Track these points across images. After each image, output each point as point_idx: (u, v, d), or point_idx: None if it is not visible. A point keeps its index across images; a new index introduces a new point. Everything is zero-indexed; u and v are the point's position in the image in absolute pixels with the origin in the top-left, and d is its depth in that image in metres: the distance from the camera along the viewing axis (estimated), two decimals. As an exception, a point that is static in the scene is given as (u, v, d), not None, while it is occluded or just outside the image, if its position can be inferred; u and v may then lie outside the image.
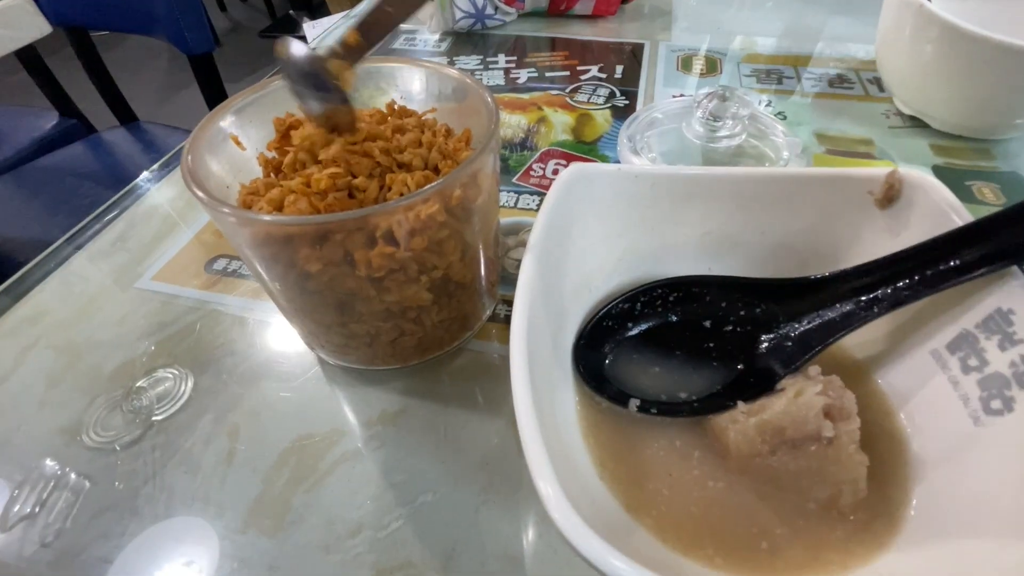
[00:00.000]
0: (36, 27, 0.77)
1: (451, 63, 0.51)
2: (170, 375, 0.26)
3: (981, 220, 0.18)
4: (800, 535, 0.17)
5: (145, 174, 0.39)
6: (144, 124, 0.97)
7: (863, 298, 0.20)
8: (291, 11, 2.36)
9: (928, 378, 0.19)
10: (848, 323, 0.20)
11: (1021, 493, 0.15)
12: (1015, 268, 0.17)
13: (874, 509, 0.18)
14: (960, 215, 0.19)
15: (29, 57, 0.83)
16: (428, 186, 0.18)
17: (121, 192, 0.38)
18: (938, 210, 0.19)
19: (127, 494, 0.22)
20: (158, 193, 0.38)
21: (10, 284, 0.31)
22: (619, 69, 0.48)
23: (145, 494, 0.22)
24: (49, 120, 0.95)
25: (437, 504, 0.21)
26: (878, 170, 0.21)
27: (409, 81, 0.26)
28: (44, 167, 0.88)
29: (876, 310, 0.19)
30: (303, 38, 0.59)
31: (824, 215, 0.22)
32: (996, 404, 0.17)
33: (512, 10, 0.54)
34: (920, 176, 0.20)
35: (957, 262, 0.18)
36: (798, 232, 0.23)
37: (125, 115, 0.97)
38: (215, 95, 0.87)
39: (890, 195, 0.20)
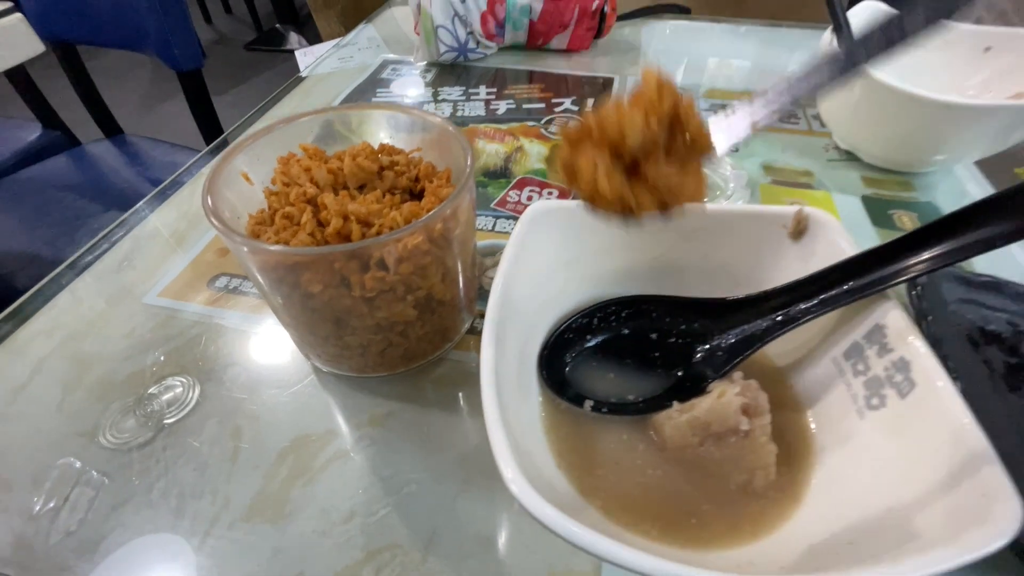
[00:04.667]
0: (30, 46, 0.78)
1: (436, 94, 0.54)
2: (179, 383, 0.29)
3: (862, 254, 0.22)
4: (723, 511, 0.21)
5: (147, 198, 0.42)
6: (129, 137, 0.98)
7: (778, 315, 0.24)
8: (277, 24, 2.39)
9: (829, 381, 0.23)
10: (766, 335, 0.24)
11: (887, 467, 0.19)
12: (888, 292, 0.21)
13: (783, 489, 0.21)
14: (850, 248, 0.23)
15: (12, 69, 0.84)
16: (414, 222, 0.21)
17: (126, 214, 0.40)
18: (835, 243, 0.23)
19: (142, 489, 0.25)
20: (160, 216, 0.41)
21: (22, 302, 0.34)
22: (590, 102, 0.52)
23: (159, 488, 0.25)
24: (32, 132, 0.95)
25: (420, 494, 0.25)
26: (790, 208, 0.25)
27: (400, 125, 0.29)
28: (27, 179, 0.88)
29: (788, 325, 0.23)
30: (290, 51, 0.62)
31: (751, 244, 0.26)
32: (875, 401, 0.21)
33: (492, 44, 0.59)
34: (821, 214, 0.24)
35: (848, 286, 0.22)
36: (731, 258, 0.27)
37: (109, 127, 0.97)
38: (203, 110, 0.88)
39: (799, 229, 0.24)
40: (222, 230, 0.21)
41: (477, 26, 0.56)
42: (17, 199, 0.84)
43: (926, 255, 0.20)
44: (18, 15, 0.77)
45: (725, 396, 0.22)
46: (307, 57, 0.61)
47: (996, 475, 0.15)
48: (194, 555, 0.23)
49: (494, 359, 0.20)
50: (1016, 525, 0.14)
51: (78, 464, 0.26)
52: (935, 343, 0.26)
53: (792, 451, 0.22)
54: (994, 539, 0.14)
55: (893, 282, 0.21)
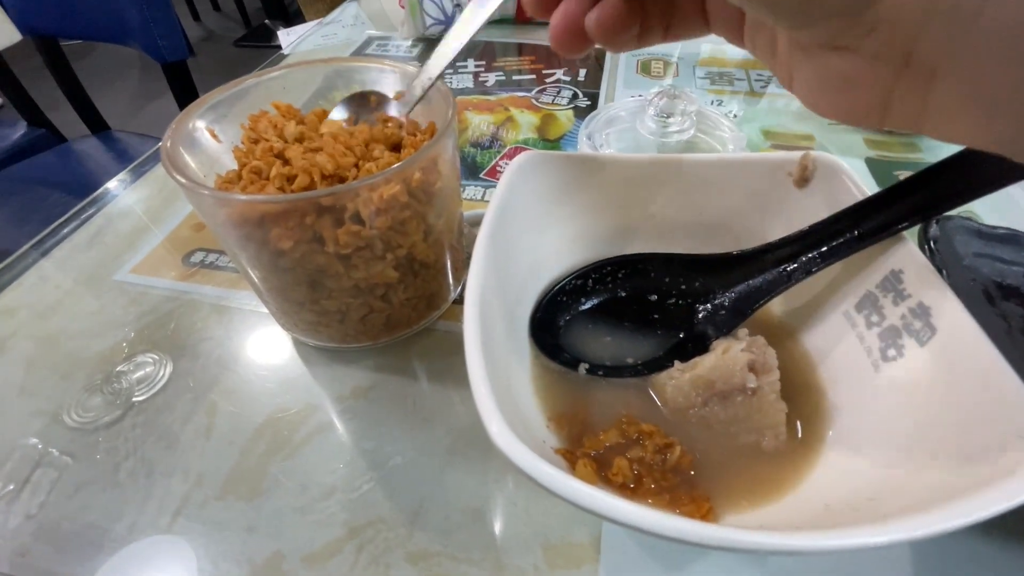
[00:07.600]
0: (4, 34, 0.76)
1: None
2: (150, 360, 0.27)
3: (876, 195, 0.20)
4: (730, 474, 0.20)
5: (121, 175, 0.40)
6: (116, 133, 0.97)
7: (784, 268, 0.22)
8: (266, 20, 2.36)
9: (841, 336, 0.22)
10: (772, 289, 0.22)
11: (907, 419, 0.17)
12: (904, 234, 0.20)
13: (796, 449, 0.20)
14: (861, 190, 0.21)
15: (-8, 64, 0.82)
16: (390, 168, 0.20)
17: (97, 192, 0.38)
18: (844, 187, 0.22)
19: (108, 468, 0.23)
20: (134, 192, 0.39)
21: (-14, 280, 0.32)
22: (582, 72, 0.51)
23: (126, 468, 0.23)
24: (17, 130, 0.95)
25: (405, 467, 0.23)
26: (794, 153, 0.23)
27: (380, 80, 0.27)
28: (12, 176, 0.87)
29: (795, 277, 0.22)
30: (277, 47, 0.60)
31: (752, 195, 0.24)
32: (891, 352, 0.19)
33: (480, 17, 0.57)
34: (829, 157, 0.23)
35: (859, 231, 0.20)
36: (731, 211, 0.25)
37: (96, 124, 0.96)
38: (189, 103, 0.87)
39: (805, 175, 0.23)
40: (183, 183, 0.20)
41: (464, -2, 0.54)
42: (3, 196, 0.83)
43: (942, 193, 0.19)
44: (-7, 3, 0.75)
45: (730, 352, 0.20)
46: (290, 36, 0.59)
47: (1035, 414, 0.14)
48: (163, 537, 0.21)
49: (479, 313, 0.18)
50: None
51: (40, 445, 0.24)
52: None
53: (803, 410, 0.21)
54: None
55: (907, 223, 0.19)
